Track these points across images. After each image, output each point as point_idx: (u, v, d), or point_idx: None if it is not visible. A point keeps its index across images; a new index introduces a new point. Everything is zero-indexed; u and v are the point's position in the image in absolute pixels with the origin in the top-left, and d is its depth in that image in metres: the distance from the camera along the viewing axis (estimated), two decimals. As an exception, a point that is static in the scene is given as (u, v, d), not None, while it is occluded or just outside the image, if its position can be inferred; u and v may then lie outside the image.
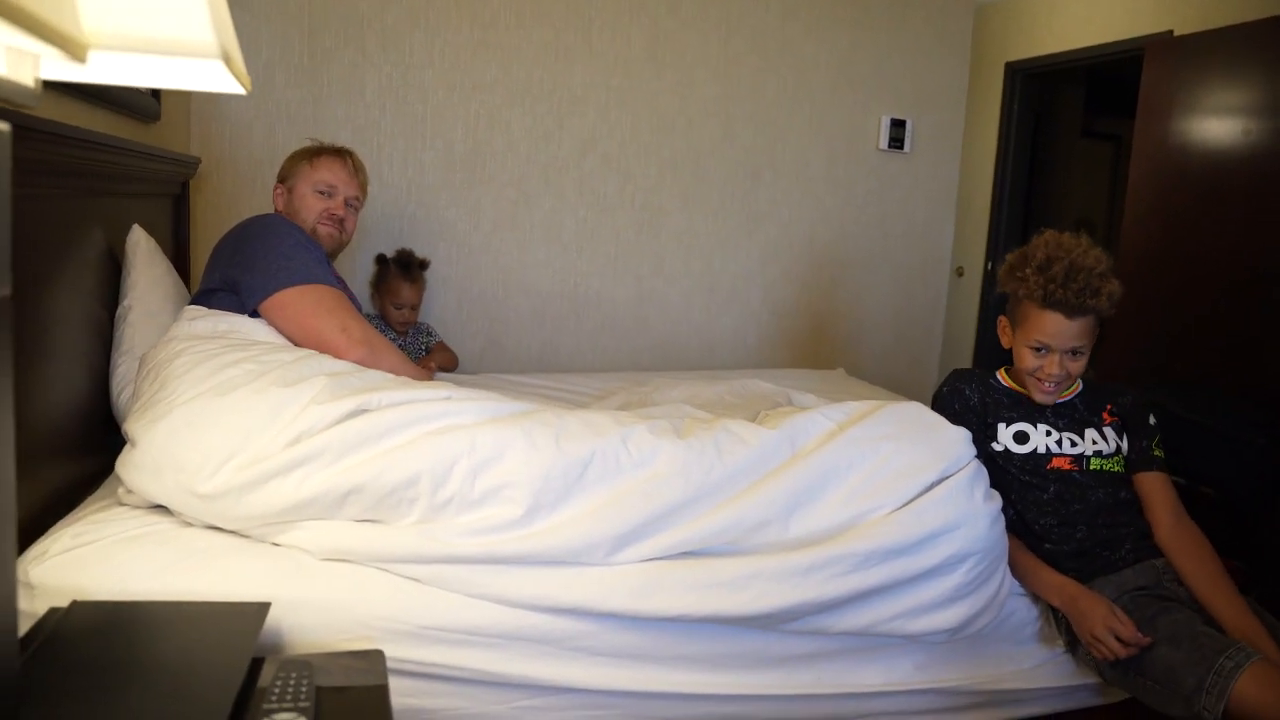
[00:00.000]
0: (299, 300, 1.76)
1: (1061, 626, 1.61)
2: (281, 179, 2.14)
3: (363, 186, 2.16)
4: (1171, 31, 4.04)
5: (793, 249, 3.47)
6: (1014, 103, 5.15)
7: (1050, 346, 1.66)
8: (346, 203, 2.10)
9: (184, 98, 2.66)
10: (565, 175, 3.15)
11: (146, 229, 1.94)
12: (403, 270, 2.82)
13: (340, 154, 2.12)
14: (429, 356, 2.81)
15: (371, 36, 2.88)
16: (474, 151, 3.03)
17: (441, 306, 3.06)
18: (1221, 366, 3.34)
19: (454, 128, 3.00)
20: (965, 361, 5.40)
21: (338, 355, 1.69)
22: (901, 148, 3.54)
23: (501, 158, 3.07)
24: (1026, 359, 1.70)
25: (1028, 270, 1.66)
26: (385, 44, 2.90)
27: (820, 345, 3.57)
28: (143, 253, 1.88)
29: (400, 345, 2.75)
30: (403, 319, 2.80)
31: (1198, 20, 3.94)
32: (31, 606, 1.22)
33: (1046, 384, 1.69)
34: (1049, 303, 1.63)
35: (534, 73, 3.05)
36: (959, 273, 5.32)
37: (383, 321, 2.81)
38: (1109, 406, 1.75)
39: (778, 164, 3.41)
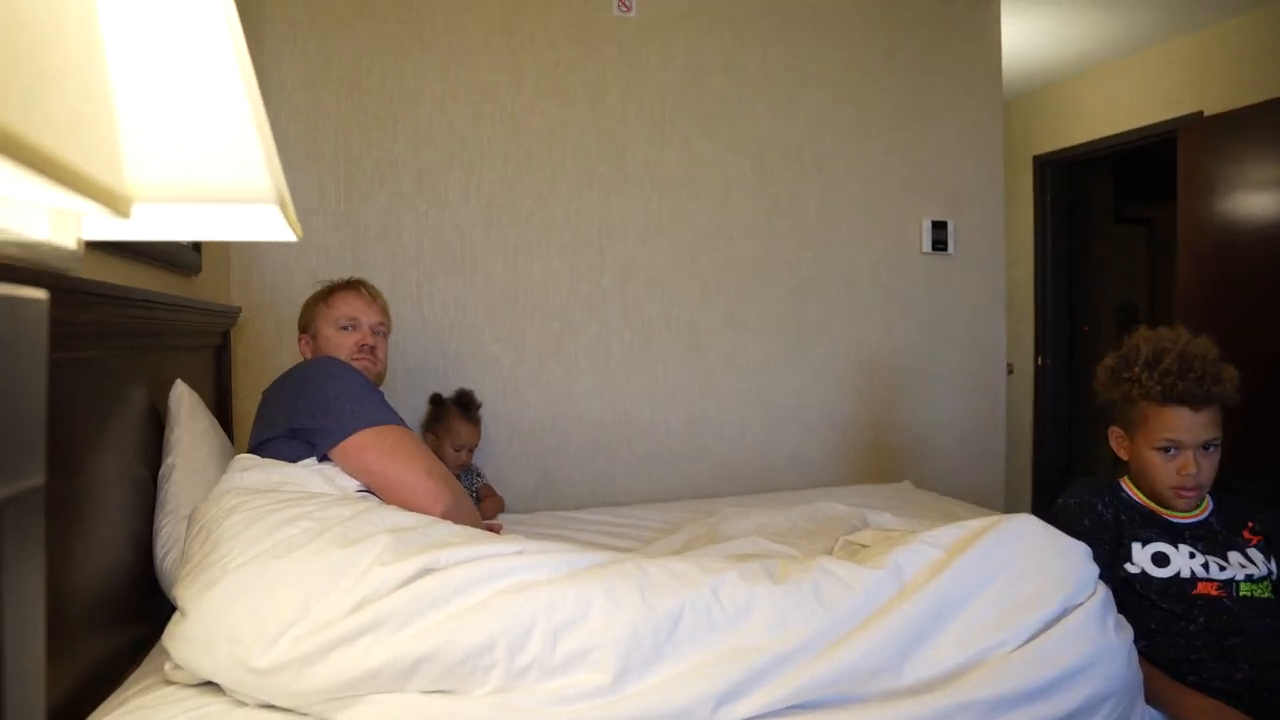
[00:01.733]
0: (378, 442, 1.68)
1: None
2: (303, 328, 2.10)
3: (384, 311, 2.12)
4: (1201, 112, 4.01)
5: (845, 360, 3.37)
6: (1046, 195, 5.13)
7: (1181, 443, 1.52)
8: (373, 330, 2.04)
9: (224, 248, 2.66)
10: (608, 302, 3.09)
11: (189, 382, 1.89)
12: (463, 411, 2.75)
13: (352, 285, 2.10)
14: (483, 506, 2.70)
15: (407, 178, 2.88)
16: (514, 285, 3.00)
17: (491, 442, 2.97)
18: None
19: (493, 263, 2.97)
20: (1028, 463, 5.21)
21: (420, 502, 1.61)
22: (945, 249, 3.47)
23: (543, 289, 3.02)
24: (1155, 465, 1.56)
25: (1136, 369, 1.54)
26: (421, 184, 2.90)
27: (882, 457, 3.42)
28: (186, 408, 1.82)
29: None
30: (460, 461, 2.71)
31: (1226, 99, 3.92)
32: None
33: (1187, 488, 1.53)
34: (1170, 397, 1.51)
35: (570, 203, 3.04)
36: (1009, 370, 5.19)
37: None
38: (1249, 524, 1.59)
39: (822, 275, 3.34)
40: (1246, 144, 3.56)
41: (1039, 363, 5.21)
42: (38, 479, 0.56)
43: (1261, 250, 3.47)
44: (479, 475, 2.83)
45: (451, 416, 2.73)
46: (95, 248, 1.54)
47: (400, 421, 1.77)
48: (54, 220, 0.62)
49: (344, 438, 1.67)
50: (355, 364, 1.95)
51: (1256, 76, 3.81)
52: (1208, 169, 3.73)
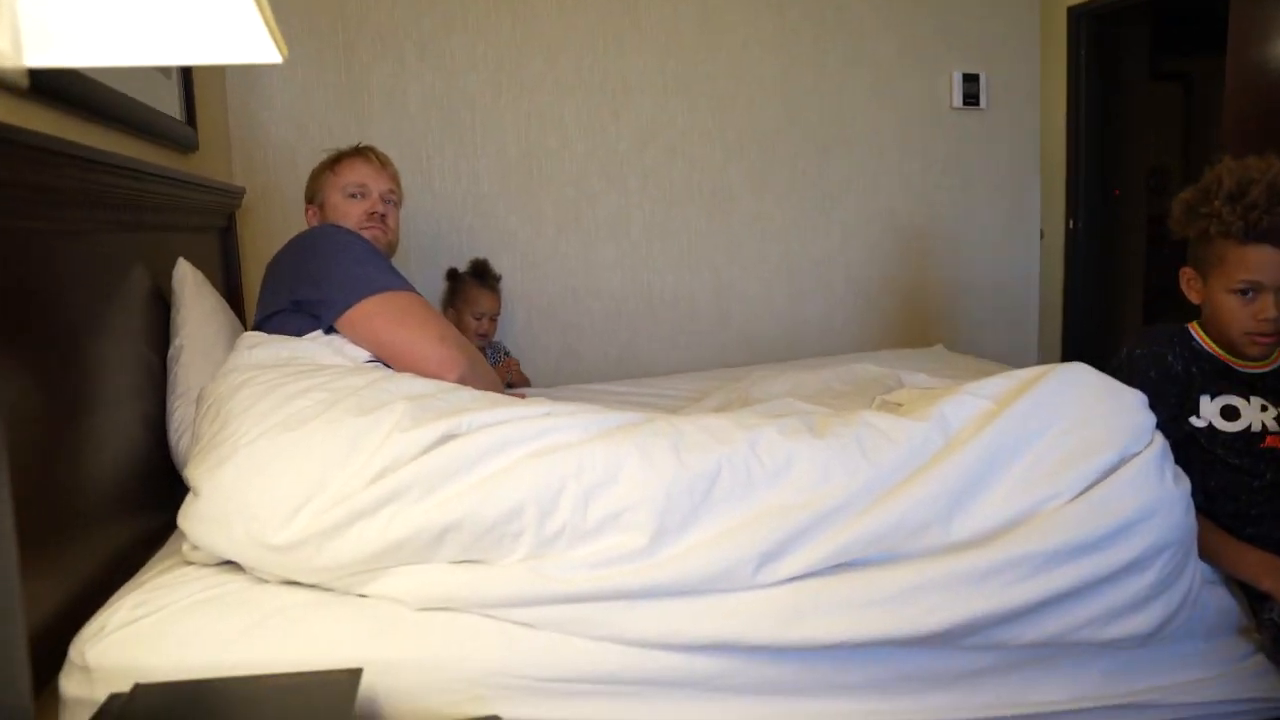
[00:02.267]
0: (385, 309, 1.60)
1: (1265, 623, 1.35)
2: (309, 199, 2.00)
3: (394, 179, 2.01)
4: (1259, -53, 3.72)
5: (873, 223, 3.24)
6: (1080, 49, 4.85)
7: (1262, 284, 1.38)
8: (383, 198, 1.94)
9: (222, 124, 2.54)
10: (626, 169, 2.96)
11: (194, 264, 1.81)
12: (479, 279, 2.68)
13: (360, 151, 1.98)
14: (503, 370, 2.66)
15: (409, 46, 2.73)
16: (528, 154, 2.87)
17: (509, 319, 2.90)
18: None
19: (505, 131, 2.84)
20: (1057, 329, 5.11)
21: (433, 369, 1.53)
22: (977, 104, 3.30)
23: (558, 157, 2.90)
24: (1231, 308, 1.42)
25: (1216, 204, 1.38)
26: (424, 52, 2.75)
27: (912, 322, 3.33)
28: (190, 287, 1.74)
29: None
30: (482, 330, 2.64)
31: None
32: (90, 693, 1.07)
33: (1265, 334, 1.40)
34: (1252, 234, 1.36)
35: (582, 63, 2.88)
36: (1040, 235, 5.03)
37: None
38: None
39: (848, 136, 3.18)
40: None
41: (1069, 226, 5.04)
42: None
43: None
44: (505, 353, 2.77)
45: (468, 286, 2.66)
46: (83, 117, 1.45)
47: (409, 287, 1.68)
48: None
49: (349, 306, 1.59)
50: (365, 233, 1.85)
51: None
52: (1264, 10, 3.48)
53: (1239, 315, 1.42)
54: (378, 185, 1.94)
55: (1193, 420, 1.45)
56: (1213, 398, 1.45)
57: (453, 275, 2.73)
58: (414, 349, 1.57)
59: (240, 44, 0.74)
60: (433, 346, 1.58)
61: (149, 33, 0.71)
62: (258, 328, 1.65)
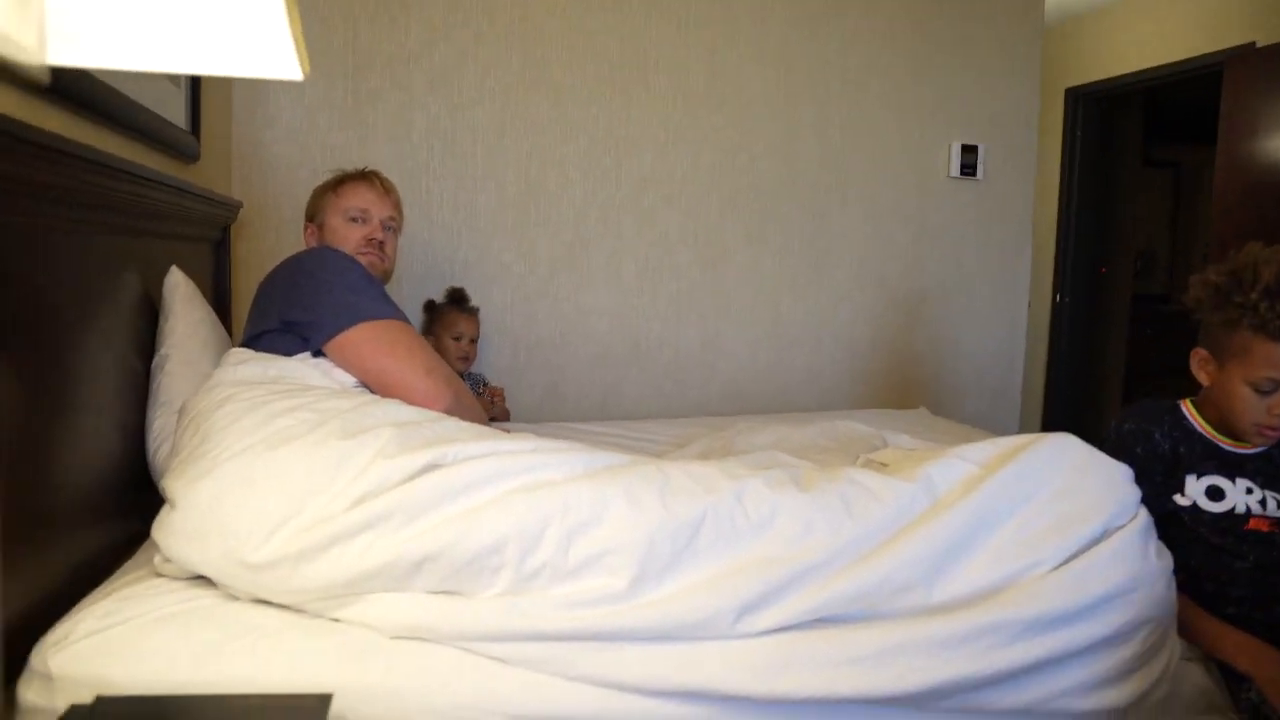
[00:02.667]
0: (374, 338, 1.59)
1: (1244, 703, 1.35)
2: (310, 217, 1.99)
3: (397, 206, 2.01)
4: (1254, 43, 3.83)
5: (864, 285, 3.27)
6: (1076, 129, 4.97)
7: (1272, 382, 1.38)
8: (383, 225, 1.94)
9: (225, 135, 2.54)
10: (624, 215, 2.98)
11: (186, 274, 1.80)
12: (456, 303, 2.69)
13: (365, 176, 1.98)
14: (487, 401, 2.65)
15: (419, 76, 2.76)
16: (528, 192, 2.89)
17: (497, 354, 2.89)
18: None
19: (506, 168, 2.86)
20: (1039, 401, 5.15)
21: (418, 401, 1.51)
22: (974, 174, 3.35)
23: (557, 198, 2.91)
24: (1245, 399, 1.41)
25: (1252, 295, 1.36)
26: (433, 83, 2.77)
27: (897, 384, 3.35)
28: (182, 296, 1.73)
29: None
30: (461, 353, 2.63)
31: (1274, 32, 3.75)
32: (50, 702, 1.04)
33: (1275, 428, 1.41)
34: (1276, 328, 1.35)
35: (589, 110, 2.91)
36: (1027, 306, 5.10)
37: None
38: None
39: (845, 196, 3.22)
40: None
41: (1057, 300, 5.11)
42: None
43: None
44: (485, 383, 2.76)
45: (445, 310, 2.67)
46: (88, 119, 1.45)
47: (402, 317, 1.67)
48: (11, 10, 0.53)
49: (339, 331, 1.58)
50: (361, 259, 1.85)
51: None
52: (1255, 104, 3.57)
53: (1254, 408, 1.41)
54: (379, 211, 1.94)
55: (1177, 499, 1.46)
56: (1199, 477, 1.46)
57: (429, 306, 2.74)
58: (401, 379, 1.56)
59: (265, 57, 0.74)
60: (419, 378, 1.57)
61: (174, 39, 0.70)
62: (246, 346, 1.64)
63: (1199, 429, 1.51)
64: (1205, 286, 1.45)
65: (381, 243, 1.93)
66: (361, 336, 1.58)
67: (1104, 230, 5.25)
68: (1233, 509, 1.43)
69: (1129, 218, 5.36)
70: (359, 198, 1.93)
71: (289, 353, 1.60)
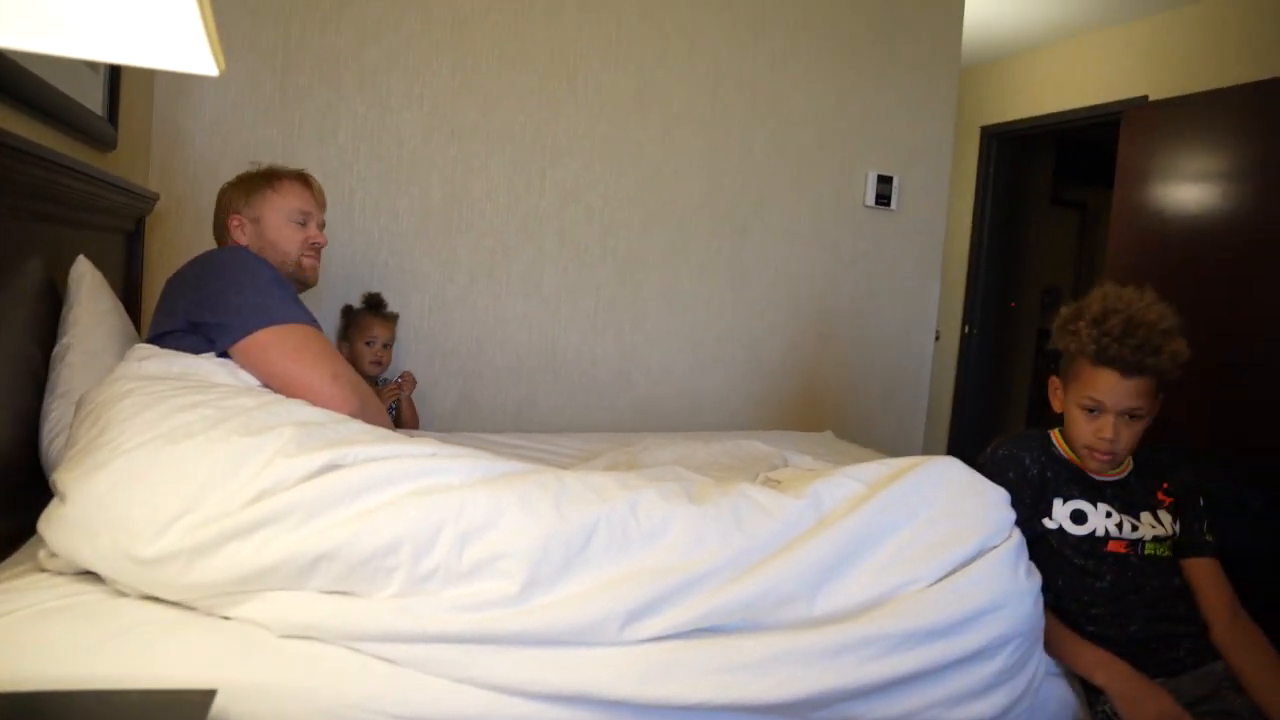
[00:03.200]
0: (281, 342, 1.58)
1: (1099, 716, 1.45)
2: (235, 209, 1.88)
3: (323, 207, 2.00)
4: (1146, 97, 4.05)
5: (779, 306, 3.36)
6: (989, 166, 5.17)
7: (1104, 406, 1.51)
8: (319, 228, 1.94)
9: (144, 126, 2.50)
10: (546, 226, 3.01)
11: (95, 264, 1.76)
12: (372, 308, 2.69)
13: (302, 176, 1.94)
14: (400, 416, 2.64)
15: (348, 76, 2.75)
16: (451, 199, 2.89)
17: (413, 360, 2.89)
18: (1209, 429, 3.27)
19: (430, 174, 2.86)
20: (945, 429, 5.32)
21: (323, 406, 1.50)
22: (889, 204, 3.47)
23: (480, 206, 2.93)
24: (1078, 421, 1.56)
25: (1081, 324, 1.53)
26: (362, 84, 2.77)
27: (806, 406, 3.43)
28: (88, 286, 1.70)
29: None
30: (374, 357, 2.63)
31: (1171, 85, 3.97)
32: (-79, 700, 1.01)
33: (1100, 451, 1.53)
34: (1102, 359, 1.50)
35: (516, 119, 2.94)
36: (936, 336, 5.28)
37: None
38: (1164, 485, 1.60)
39: (765, 218, 3.31)
40: (1188, 132, 3.60)
41: (965, 331, 5.29)
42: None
43: (1192, 242, 3.53)
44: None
45: (361, 315, 2.68)
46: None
47: (311, 321, 1.67)
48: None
49: (245, 334, 1.57)
50: (304, 260, 1.88)
51: (1206, 65, 3.86)
52: (1148, 154, 3.77)
53: (1083, 429, 1.56)
54: (317, 215, 1.93)
55: (1045, 521, 1.56)
56: (1065, 501, 1.56)
57: (347, 311, 2.74)
58: (306, 384, 1.56)
59: (178, 50, 0.74)
60: (325, 383, 1.58)
61: (84, 23, 0.70)
62: (151, 344, 1.62)
63: (1064, 455, 1.63)
64: (1058, 318, 1.61)
65: (320, 247, 1.92)
66: (268, 340, 1.58)
67: (1013, 265, 5.45)
68: (1093, 532, 1.54)
69: (1037, 254, 5.59)
70: (300, 199, 1.90)
71: (195, 353, 1.58)
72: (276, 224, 1.87)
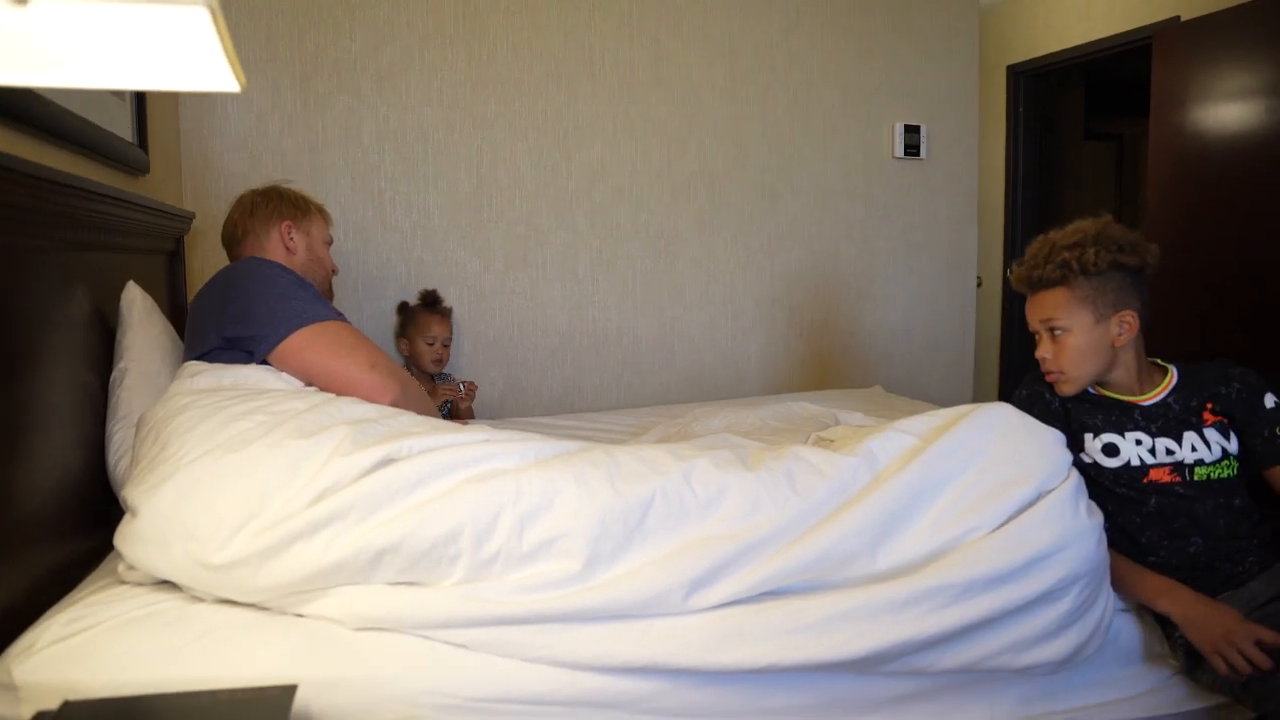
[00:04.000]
0: (315, 341, 1.61)
1: (1177, 644, 1.43)
2: (291, 219, 1.94)
3: None
4: (1178, 17, 3.93)
5: (816, 266, 3.34)
6: (1019, 106, 5.06)
7: (1036, 329, 1.56)
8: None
9: (174, 148, 2.54)
10: (576, 208, 3.02)
11: (140, 286, 1.81)
12: (429, 306, 2.74)
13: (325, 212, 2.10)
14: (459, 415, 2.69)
15: (366, 79, 2.77)
16: (479, 190, 2.91)
17: (456, 351, 2.92)
18: (1251, 349, 3.20)
19: (457, 167, 2.88)
20: (995, 375, 5.25)
21: (364, 395, 1.55)
22: (918, 154, 3.42)
23: (509, 194, 2.94)
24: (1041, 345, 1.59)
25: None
26: (381, 86, 2.79)
27: (852, 363, 3.42)
28: (139, 311, 1.74)
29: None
30: (435, 356, 2.68)
31: (1200, 4, 3.85)
32: (15, 711, 1.05)
33: (1049, 374, 1.57)
34: (1023, 285, 1.57)
35: (536, 104, 2.94)
36: (978, 282, 5.20)
37: (414, 368, 2.71)
38: (1209, 405, 1.54)
39: (794, 180, 3.28)
40: (1223, 50, 3.50)
41: (1007, 275, 5.21)
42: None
43: (1235, 162, 3.44)
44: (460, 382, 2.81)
45: (419, 313, 2.71)
46: (36, 135, 1.46)
47: (338, 316, 1.70)
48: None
49: (280, 340, 1.60)
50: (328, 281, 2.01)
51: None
52: (1183, 77, 3.67)
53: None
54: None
55: (1080, 456, 1.54)
56: (1095, 436, 1.55)
57: (403, 308, 2.77)
58: (345, 377, 1.59)
59: (199, 72, 0.76)
60: (364, 373, 1.60)
61: (109, 56, 0.72)
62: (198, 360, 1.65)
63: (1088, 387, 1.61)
64: None
65: (335, 273, 2.08)
66: (303, 341, 1.61)
67: (1051, 204, 5.35)
68: (1127, 462, 1.52)
69: (1074, 191, 5.47)
70: (328, 231, 2.06)
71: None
72: (321, 243, 2.00)
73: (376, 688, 1.14)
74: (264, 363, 1.62)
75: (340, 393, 1.57)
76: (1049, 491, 1.36)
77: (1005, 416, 1.44)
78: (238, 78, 0.80)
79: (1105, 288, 1.50)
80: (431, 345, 2.68)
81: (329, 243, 2.04)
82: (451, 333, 2.77)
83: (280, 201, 1.98)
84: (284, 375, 1.60)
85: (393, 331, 2.80)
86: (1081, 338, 1.52)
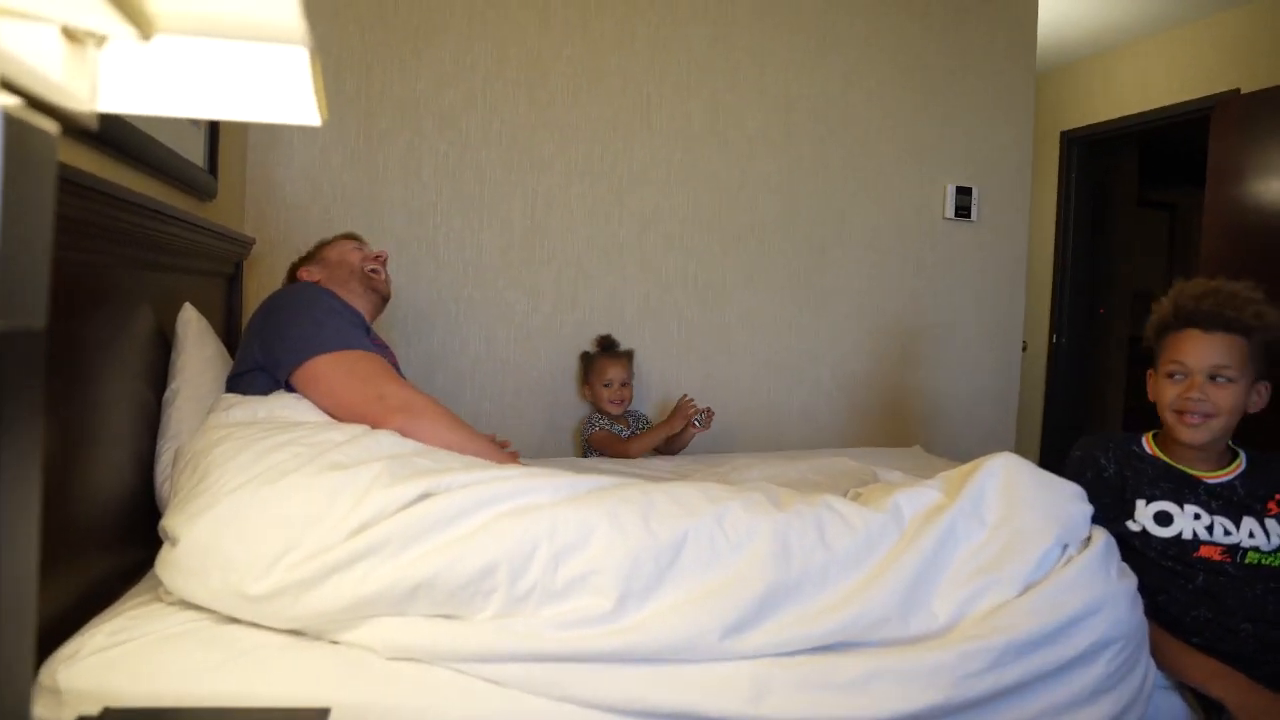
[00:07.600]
0: (332, 370, 1.61)
1: None
2: (305, 267, 2.06)
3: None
4: (1238, 90, 3.92)
5: (862, 324, 3.34)
6: (1071, 172, 5.05)
7: (1186, 366, 1.48)
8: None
9: (239, 174, 2.63)
10: (626, 254, 3.06)
11: (199, 309, 1.86)
12: (604, 350, 2.85)
13: (352, 236, 2.14)
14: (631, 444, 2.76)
15: (429, 117, 2.84)
16: (532, 231, 2.96)
17: (499, 391, 2.95)
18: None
19: (512, 207, 2.94)
20: (1036, 441, 5.18)
21: (374, 426, 1.54)
22: (969, 216, 3.42)
23: (560, 237, 2.99)
24: (1164, 392, 1.52)
25: (1164, 300, 1.53)
26: (442, 125, 2.86)
27: (893, 422, 3.39)
28: (194, 333, 1.78)
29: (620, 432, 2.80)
30: (613, 397, 2.79)
31: (1263, 77, 3.83)
32: (58, 715, 1.08)
33: (1189, 413, 1.48)
34: (1181, 319, 1.49)
35: (593, 150, 3.00)
36: (1024, 347, 5.16)
37: (597, 412, 2.83)
38: (1278, 496, 1.51)
39: (843, 236, 3.30)
40: (1281, 126, 3.48)
41: (1053, 340, 5.16)
42: (37, 322, 0.53)
43: (1290, 235, 3.40)
44: (647, 422, 2.94)
45: (596, 358, 2.84)
46: (109, 156, 1.52)
47: (368, 346, 1.69)
48: (68, 60, 0.59)
49: (298, 365, 1.61)
50: (369, 271, 2.01)
51: (1297, 56, 3.73)
52: (1241, 149, 3.65)
53: (1168, 396, 1.52)
54: (368, 245, 2.13)
55: (1128, 524, 1.52)
56: (1149, 502, 1.51)
57: (584, 357, 2.92)
58: (354, 411, 1.58)
59: (288, 105, 0.80)
60: (370, 406, 1.58)
61: (214, 88, 0.76)
62: (229, 384, 1.69)
63: (1152, 453, 1.58)
64: (1151, 315, 1.60)
65: (383, 259, 2.07)
66: (318, 370, 1.61)
67: (1101, 271, 5.31)
68: (1179, 534, 1.49)
69: (1125, 259, 5.42)
70: (353, 240, 2.11)
71: (265, 390, 1.63)
72: (338, 252, 2.04)
73: (407, 717, 1.15)
74: (289, 386, 1.63)
75: (350, 421, 1.56)
76: (1073, 545, 1.36)
77: (1013, 465, 1.45)
78: (321, 111, 0.84)
79: (1262, 353, 1.49)
80: (609, 388, 2.79)
81: (359, 243, 2.08)
82: (629, 374, 2.86)
83: (300, 261, 2.11)
84: (316, 407, 1.60)
85: (577, 382, 2.96)
86: (1238, 393, 1.49)
